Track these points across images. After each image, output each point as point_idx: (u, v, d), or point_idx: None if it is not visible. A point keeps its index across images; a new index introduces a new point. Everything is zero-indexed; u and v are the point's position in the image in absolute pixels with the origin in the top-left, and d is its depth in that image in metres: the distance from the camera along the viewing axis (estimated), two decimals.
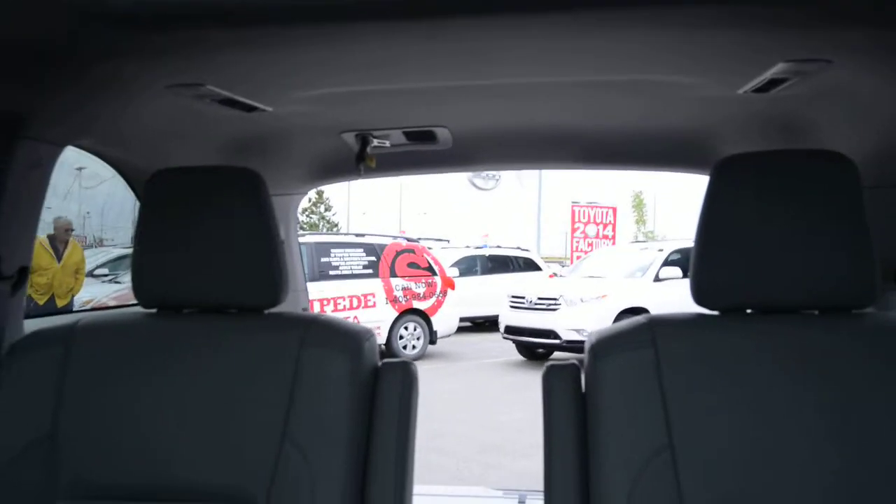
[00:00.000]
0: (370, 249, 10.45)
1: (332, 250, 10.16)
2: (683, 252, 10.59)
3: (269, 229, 1.23)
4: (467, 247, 15.66)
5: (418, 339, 10.65)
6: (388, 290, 10.38)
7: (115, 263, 9.81)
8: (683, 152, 1.87)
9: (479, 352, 11.43)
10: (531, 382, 8.90)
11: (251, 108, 1.52)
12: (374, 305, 10.15)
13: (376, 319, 9.69)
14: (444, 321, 10.95)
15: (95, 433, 1.17)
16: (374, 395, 1.23)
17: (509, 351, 10.82)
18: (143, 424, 1.17)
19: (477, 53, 1.28)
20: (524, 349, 10.62)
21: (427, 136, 1.83)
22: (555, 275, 13.48)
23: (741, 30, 1.15)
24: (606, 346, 1.15)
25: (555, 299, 9.94)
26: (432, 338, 10.72)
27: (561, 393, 1.19)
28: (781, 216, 1.09)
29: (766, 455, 1.05)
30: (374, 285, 10.27)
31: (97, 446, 1.17)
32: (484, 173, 17.70)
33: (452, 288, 11.18)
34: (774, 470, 1.04)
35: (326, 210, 28.07)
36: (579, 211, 16.95)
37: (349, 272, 10.15)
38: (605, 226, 16.95)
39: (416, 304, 10.62)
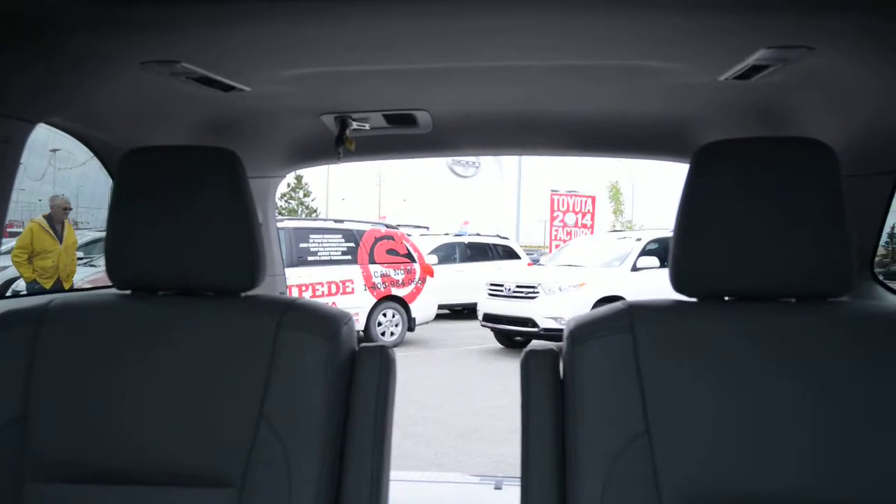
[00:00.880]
0: (349, 235, 10.41)
1: (311, 236, 10.11)
2: (661, 242, 10.69)
3: (246, 210, 1.21)
4: (446, 234, 15.67)
5: (396, 325, 10.65)
6: (367, 277, 10.36)
7: (89, 247, 9.67)
8: (664, 139, 1.87)
9: (457, 339, 11.46)
10: (509, 370, 9.01)
11: (228, 88, 1.50)
12: (352, 292, 10.12)
13: (355, 306, 9.68)
14: (423, 308, 10.96)
15: (67, 415, 1.15)
16: (352, 378, 1.22)
17: (487, 338, 10.87)
18: (116, 406, 1.15)
19: (458, 35, 1.27)
20: (502, 337, 10.67)
21: (407, 120, 1.81)
22: (532, 263, 13.54)
23: (723, 15, 1.14)
24: (585, 331, 1.15)
25: (533, 287, 9.99)
26: (410, 325, 10.73)
27: (539, 378, 1.19)
28: (761, 204, 1.10)
29: (742, 440, 1.05)
30: (353, 272, 10.24)
31: (69, 428, 1.15)
32: (464, 161, 17.69)
33: (431, 275, 11.18)
34: (751, 454, 1.05)
35: (305, 195, 27.90)
36: (558, 199, 16.99)
37: (328, 258, 10.11)
38: (584, 215, 17.01)
39: (395, 291, 10.62)
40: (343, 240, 10.33)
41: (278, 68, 1.44)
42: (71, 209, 7.49)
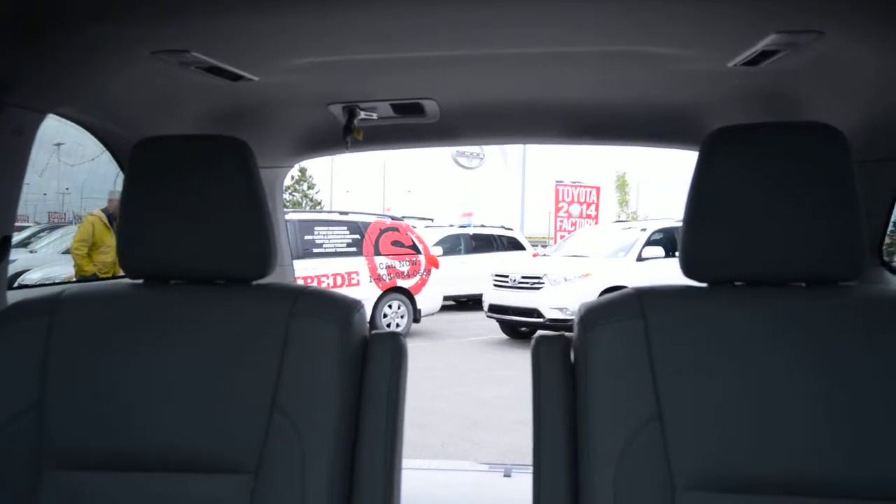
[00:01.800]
0: (354, 227, 10.42)
1: (316, 228, 10.12)
2: (666, 232, 10.67)
3: (257, 199, 1.22)
4: (451, 226, 15.66)
5: (402, 317, 10.67)
6: (372, 269, 10.37)
7: None
8: (672, 126, 1.87)
9: (462, 330, 11.48)
10: (514, 360, 9.01)
11: (237, 77, 1.50)
12: (357, 283, 10.14)
13: (360, 297, 9.65)
14: (428, 300, 10.97)
15: (82, 403, 1.16)
16: (364, 365, 1.23)
17: (493, 329, 10.88)
18: (131, 394, 1.16)
19: (465, 23, 1.27)
20: (507, 328, 10.68)
21: (414, 109, 1.81)
22: (538, 254, 13.54)
23: (733, 1, 1.14)
24: (596, 316, 1.16)
25: (538, 278, 9.99)
26: (416, 316, 10.74)
27: (550, 364, 1.20)
28: (771, 188, 1.10)
29: (754, 424, 1.06)
30: (358, 263, 10.25)
31: (84, 416, 1.16)
32: (468, 152, 17.61)
33: (436, 266, 11.19)
34: (762, 438, 1.06)
35: (310, 188, 27.92)
36: (563, 190, 16.98)
37: (333, 250, 10.13)
38: (589, 205, 17.01)
39: (400, 283, 10.63)
40: (348, 232, 10.33)
41: (287, 58, 1.44)
42: None
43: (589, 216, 16.88)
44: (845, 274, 1.11)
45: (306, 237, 9.90)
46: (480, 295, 11.13)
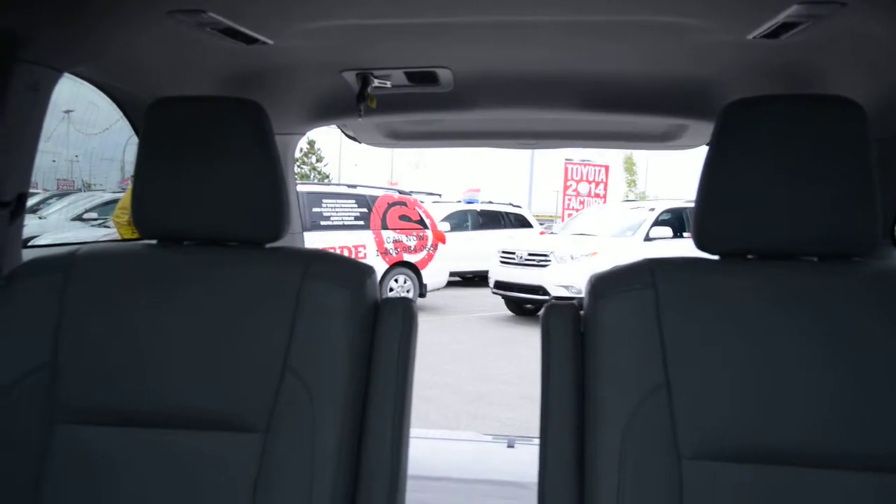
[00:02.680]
0: (362, 201, 10.41)
1: (324, 201, 10.12)
2: (674, 212, 10.63)
3: (271, 161, 1.22)
4: (458, 201, 15.63)
5: (408, 291, 10.70)
6: (379, 243, 10.38)
7: (104, 208, 9.74)
8: (689, 99, 1.86)
9: (468, 306, 11.52)
10: (519, 337, 9.03)
11: (252, 41, 1.49)
12: (364, 257, 10.16)
13: None
14: (434, 275, 10.99)
15: (95, 360, 1.18)
16: (375, 330, 1.23)
17: (498, 306, 10.91)
18: (144, 353, 1.18)
19: None
20: (513, 304, 10.71)
21: (429, 78, 1.80)
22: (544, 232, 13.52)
23: None
24: (607, 286, 1.16)
25: (545, 256, 9.99)
26: (422, 291, 10.77)
27: (560, 332, 1.20)
28: (786, 161, 1.09)
29: (761, 395, 1.06)
30: (366, 237, 10.26)
31: (97, 373, 1.17)
32: None
33: (443, 242, 11.19)
34: (770, 410, 1.06)
35: (318, 161, 27.86)
36: (572, 168, 16.91)
37: (340, 223, 10.14)
38: (598, 184, 16.95)
39: (407, 257, 10.65)
40: (356, 205, 10.33)
41: (301, 21, 1.44)
42: None
43: (597, 195, 16.83)
44: (858, 249, 1.10)
45: (314, 209, 9.90)
46: (486, 271, 11.14)
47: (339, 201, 10.25)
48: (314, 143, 27.10)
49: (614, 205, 14.66)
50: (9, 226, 1.35)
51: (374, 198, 10.59)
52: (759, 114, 1.12)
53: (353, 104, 1.82)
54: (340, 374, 1.16)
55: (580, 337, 1.19)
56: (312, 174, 27.13)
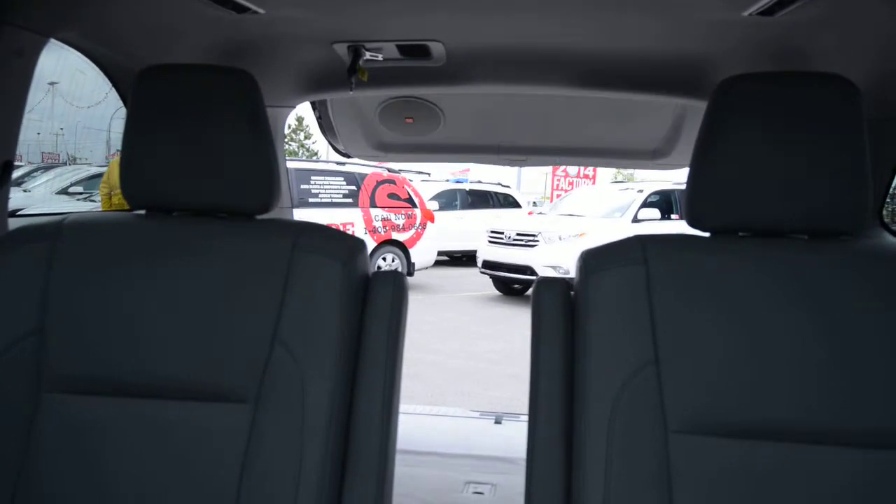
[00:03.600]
0: (351, 178, 10.36)
1: (313, 178, 10.06)
2: (663, 194, 10.67)
3: (262, 132, 1.21)
4: (447, 181, 15.59)
5: (396, 270, 10.69)
6: (368, 221, 10.35)
7: (90, 182, 9.64)
8: (684, 77, 1.85)
9: (455, 285, 11.53)
10: (507, 316, 9.05)
11: (242, 9, 1.47)
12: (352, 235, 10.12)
13: None
14: (423, 253, 10.98)
15: (83, 329, 1.17)
16: (365, 303, 1.23)
17: (486, 285, 10.93)
18: (132, 322, 1.17)
19: None
20: (501, 284, 10.74)
21: (421, 51, 1.79)
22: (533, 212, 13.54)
23: None
24: (598, 261, 1.16)
25: (533, 236, 10.00)
26: (410, 269, 10.77)
27: (550, 306, 1.20)
28: (778, 138, 1.09)
29: (750, 373, 1.07)
30: (354, 215, 10.22)
31: (85, 342, 1.17)
32: None
33: (432, 221, 11.17)
34: (758, 387, 1.07)
35: (306, 137, 27.66)
36: None
37: (329, 200, 10.09)
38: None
39: (395, 236, 10.63)
40: (345, 183, 10.28)
41: None
42: None
43: (586, 176, 16.83)
44: (847, 228, 1.11)
45: (303, 186, 9.84)
46: (475, 251, 11.15)
47: (327, 179, 10.19)
48: (302, 119, 26.90)
49: (603, 186, 14.67)
50: None
51: (363, 175, 10.53)
52: (753, 91, 1.12)
53: (344, 77, 1.80)
54: (330, 347, 1.16)
55: (570, 312, 1.19)
56: (301, 151, 26.94)
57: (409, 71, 1.91)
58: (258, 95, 1.22)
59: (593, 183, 16.60)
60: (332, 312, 1.17)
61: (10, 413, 1.15)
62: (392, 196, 10.68)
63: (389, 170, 11.62)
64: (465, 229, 13.16)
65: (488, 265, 10.50)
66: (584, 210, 10.90)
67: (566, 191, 15.68)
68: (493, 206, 14.51)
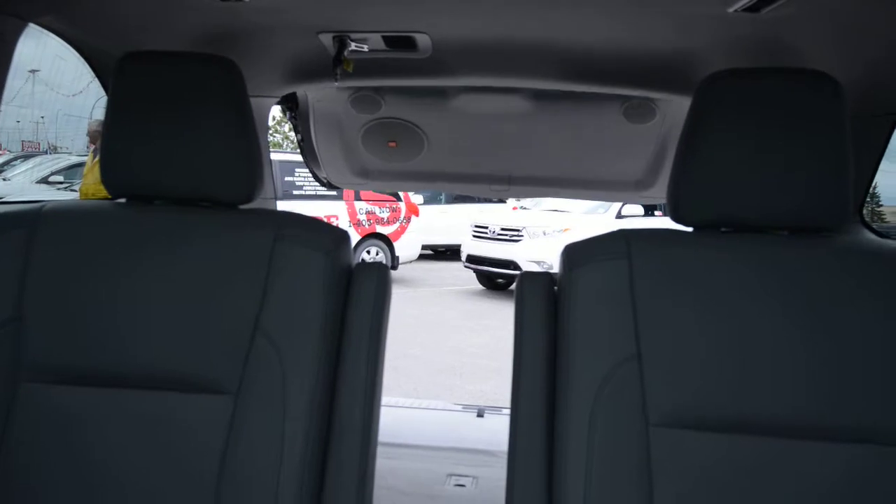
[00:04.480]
0: None
1: (297, 170, 9.99)
2: None
3: (245, 120, 1.19)
4: None
5: (379, 262, 10.66)
6: (352, 213, 10.32)
7: (70, 171, 9.54)
8: (668, 73, 1.85)
9: (439, 279, 11.53)
10: (490, 310, 9.07)
11: None
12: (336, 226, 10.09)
13: None
14: (407, 247, 10.97)
15: (62, 318, 1.15)
16: (348, 294, 1.22)
17: (470, 280, 10.94)
18: (112, 312, 1.15)
19: None
20: (484, 279, 10.75)
21: (406, 43, 1.78)
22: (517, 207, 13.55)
23: None
24: (582, 255, 1.16)
25: (517, 231, 10.02)
26: (394, 263, 10.75)
27: (533, 300, 1.20)
28: (761, 134, 1.09)
29: (732, 368, 1.07)
30: (338, 207, 10.18)
31: (64, 332, 1.15)
32: None
33: (416, 214, 11.16)
34: (740, 383, 1.07)
35: (291, 129, 27.50)
36: None
37: (313, 193, 10.03)
38: None
39: (380, 229, 10.60)
40: None
41: None
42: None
43: None
44: (829, 224, 1.11)
45: (287, 178, 9.78)
46: (459, 245, 11.15)
47: None
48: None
49: None
50: None
51: None
52: (736, 86, 1.12)
53: (329, 68, 1.79)
54: (312, 338, 1.15)
55: (553, 306, 1.19)
56: (286, 143, 26.78)
57: (395, 62, 1.90)
58: (241, 83, 1.20)
59: None
60: (314, 304, 1.16)
61: None
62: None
63: None
64: (450, 223, 13.14)
65: (472, 259, 10.51)
66: (569, 205, 10.93)
67: None
68: (478, 201, 14.51)
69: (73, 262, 1.17)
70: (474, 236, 10.56)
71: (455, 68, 1.96)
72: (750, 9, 1.36)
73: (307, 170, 10.12)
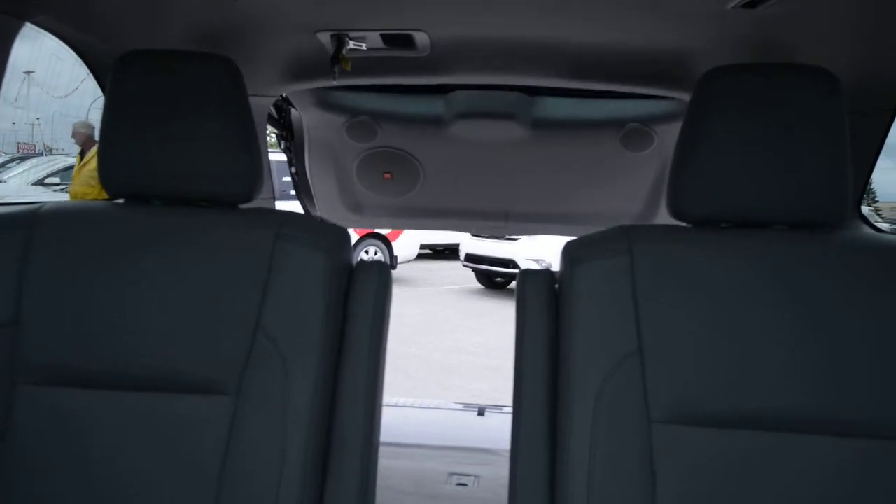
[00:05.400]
0: None
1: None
2: None
3: (245, 119, 1.19)
4: None
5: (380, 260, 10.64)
6: None
7: (66, 173, 9.53)
8: (667, 70, 1.85)
9: (438, 278, 11.53)
10: (489, 309, 9.06)
11: None
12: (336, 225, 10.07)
13: None
14: (405, 247, 10.97)
15: (61, 319, 1.15)
16: (349, 293, 1.22)
17: (468, 279, 10.94)
18: (111, 312, 1.15)
19: None
20: (483, 277, 10.76)
21: (405, 41, 1.77)
22: None
23: None
24: (582, 252, 1.16)
25: None
26: (392, 263, 10.74)
27: (534, 298, 1.20)
28: (760, 129, 1.09)
29: (733, 363, 1.07)
30: None
31: (63, 333, 1.15)
32: None
33: None
34: (741, 377, 1.07)
35: None
36: None
37: None
38: None
39: (378, 229, 10.59)
40: None
41: None
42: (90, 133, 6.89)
43: None
44: (828, 219, 1.11)
45: (284, 178, 9.75)
46: (457, 245, 11.15)
47: None
48: None
49: None
50: None
51: None
52: (735, 82, 1.12)
53: (327, 66, 1.79)
54: (313, 337, 1.15)
55: (555, 304, 1.19)
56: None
57: (393, 61, 1.89)
58: (240, 81, 1.20)
59: None
60: (315, 303, 1.16)
61: None
62: None
63: None
64: None
65: (471, 258, 10.52)
66: None
67: None
68: None
69: (71, 263, 1.16)
70: (473, 235, 10.57)
71: (454, 66, 1.95)
72: (748, 5, 1.36)
73: None
